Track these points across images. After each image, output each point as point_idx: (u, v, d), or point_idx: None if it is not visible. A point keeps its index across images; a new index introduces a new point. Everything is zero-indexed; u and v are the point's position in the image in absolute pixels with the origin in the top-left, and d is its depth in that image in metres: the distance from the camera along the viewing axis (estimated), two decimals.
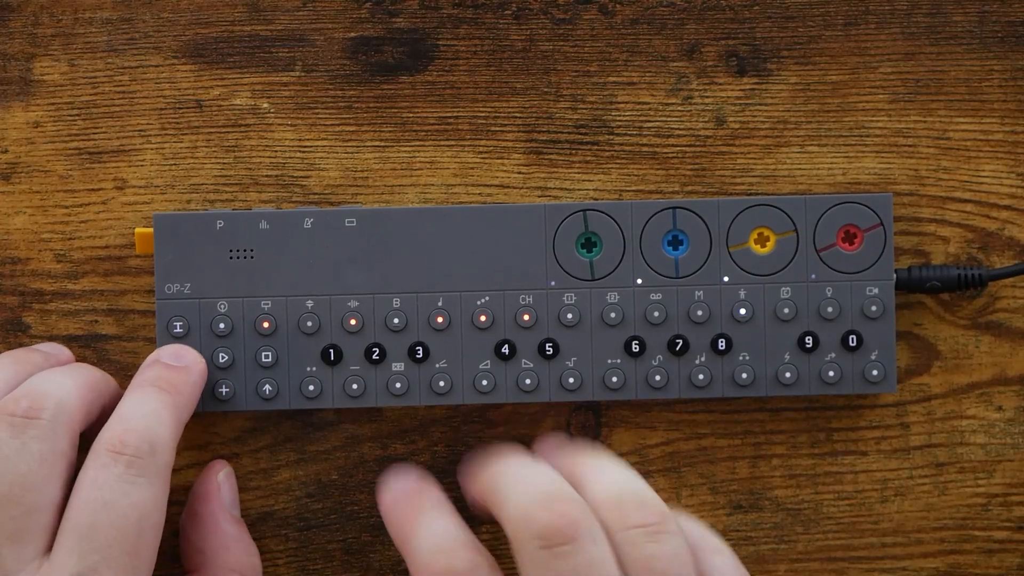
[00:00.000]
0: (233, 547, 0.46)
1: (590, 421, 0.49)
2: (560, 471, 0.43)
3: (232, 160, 0.49)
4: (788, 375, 0.48)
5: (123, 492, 0.41)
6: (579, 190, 0.49)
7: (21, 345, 0.48)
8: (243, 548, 0.47)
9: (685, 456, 0.50)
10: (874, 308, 0.47)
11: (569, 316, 0.47)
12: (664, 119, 0.49)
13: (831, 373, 0.48)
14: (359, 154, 0.49)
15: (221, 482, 0.47)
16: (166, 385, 0.44)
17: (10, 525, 0.41)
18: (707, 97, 0.49)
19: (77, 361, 0.48)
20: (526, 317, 0.47)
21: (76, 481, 0.42)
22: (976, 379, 0.50)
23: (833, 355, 0.48)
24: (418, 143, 0.49)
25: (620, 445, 0.49)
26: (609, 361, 0.47)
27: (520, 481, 0.42)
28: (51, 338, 0.49)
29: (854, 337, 0.47)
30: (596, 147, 0.49)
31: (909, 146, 0.49)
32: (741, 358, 0.48)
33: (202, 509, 0.47)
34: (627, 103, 0.49)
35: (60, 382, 0.44)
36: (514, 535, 0.40)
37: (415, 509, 0.44)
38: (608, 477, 0.42)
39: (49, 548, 0.41)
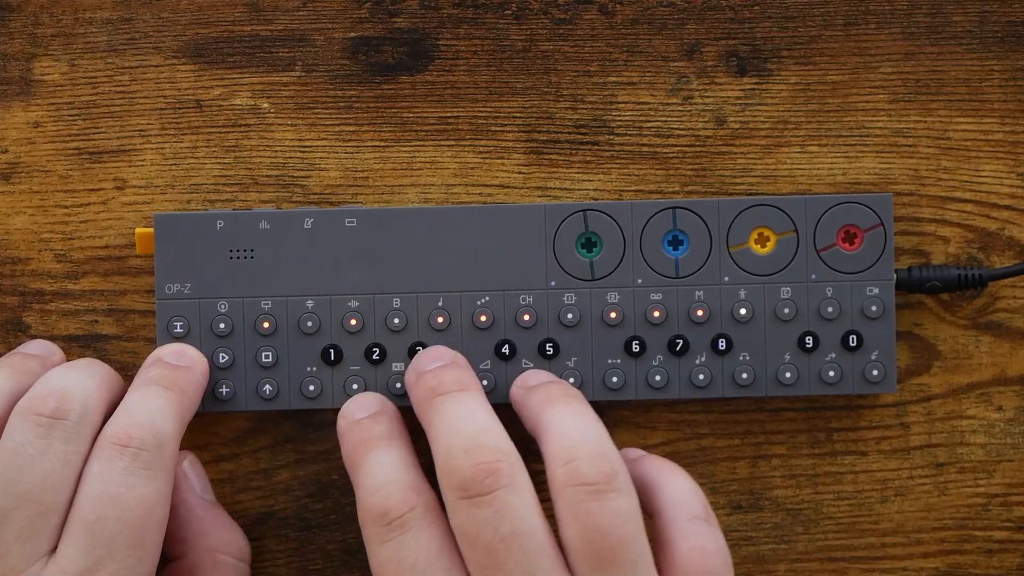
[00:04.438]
0: (212, 530, 0.46)
1: None
2: (526, 415, 0.45)
3: (232, 160, 0.49)
4: (788, 375, 0.48)
5: (128, 485, 0.41)
6: (579, 190, 0.49)
7: (21, 345, 0.48)
8: (223, 528, 0.47)
9: (685, 456, 0.50)
10: (874, 308, 0.47)
11: (569, 316, 0.47)
12: (664, 119, 0.49)
13: (831, 373, 0.48)
14: (359, 154, 0.49)
15: (186, 470, 0.47)
16: (169, 384, 0.44)
17: (25, 523, 0.41)
18: (707, 97, 0.49)
19: (75, 359, 0.48)
20: (526, 317, 0.47)
21: (81, 475, 0.42)
22: (976, 379, 0.50)
23: (833, 355, 0.48)
24: (418, 143, 0.49)
25: (620, 445, 0.49)
26: (609, 361, 0.47)
27: (453, 423, 0.43)
28: (51, 338, 0.49)
29: (854, 337, 0.47)
30: (596, 147, 0.49)
31: (909, 146, 0.49)
32: (741, 358, 0.48)
33: (173, 500, 0.46)
34: (627, 103, 0.49)
35: (83, 382, 0.44)
36: (439, 480, 0.42)
37: (365, 442, 0.45)
38: (566, 428, 0.43)
39: (56, 544, 0.42)
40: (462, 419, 0.43)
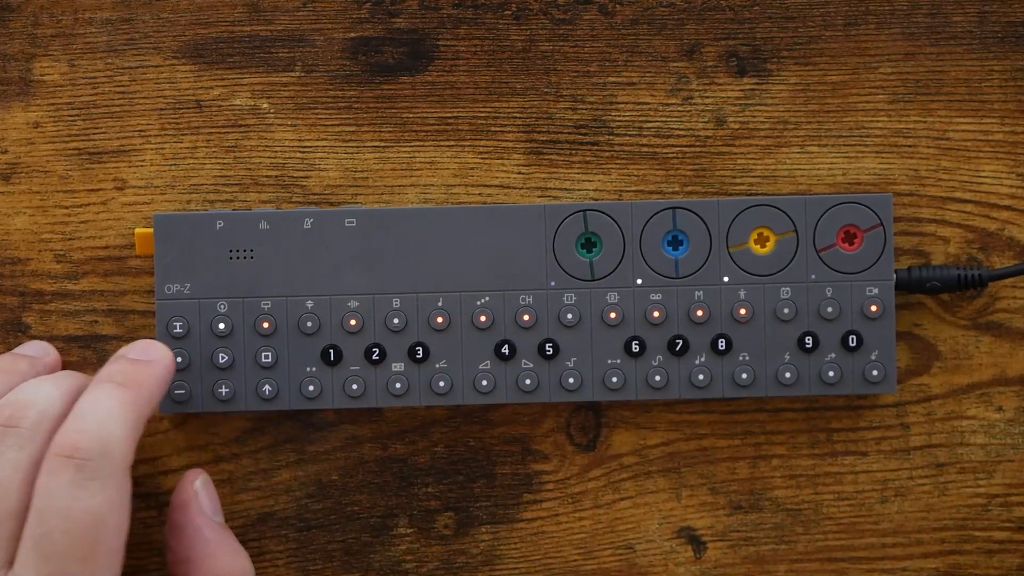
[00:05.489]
0: (218, 553, 0.46)
1: (590, 421, 0.49)
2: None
3: (232, 160, 0.49)
4: (788, 375, 0.47)
5: (74, 497, 0.41)
6: (579, 190, 0.49)
7: (19, 346, 0.48)
8: (229, 553, 0.46)
9: (685, 456, 0.50)
10: (874, 308, 0.47)
11: (569, 316, 0.47)
12: (664, 119, 0.49)
13: (831, 373, 0.47)
14: (359, 154, 0.49)
15: (198, 490, 0.46)
16: (124, 380, 0.43)
17: None
18: (707, 97, 0.49)
19: (74, 360, 0.48)
20: (526, 317, 0.47)
21: (33, 489, 0.41)
22: (976, 379, 0.50)
23: (833, 355, 0.48)
24: (418, 143, 0.49)
25: (620, 445, 0.49)
26: (609, 361, 0.47)
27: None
28: (51, 338, 0.49)
29: (854, 337, 0.47)
30: (596, 147, 0.49)
31: (909, 146, 0.49)
32: (741, 358, 0.48)
33: (181, 519, 0.46)
34: (627, 103, 0.49)
35: (47, 392, 0.43)
36: None
37: None
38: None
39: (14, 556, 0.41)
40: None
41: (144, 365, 0.44)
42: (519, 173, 0.49)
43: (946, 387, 0.50)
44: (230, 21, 0.49)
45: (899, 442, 0.50)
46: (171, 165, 0.49)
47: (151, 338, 0.49)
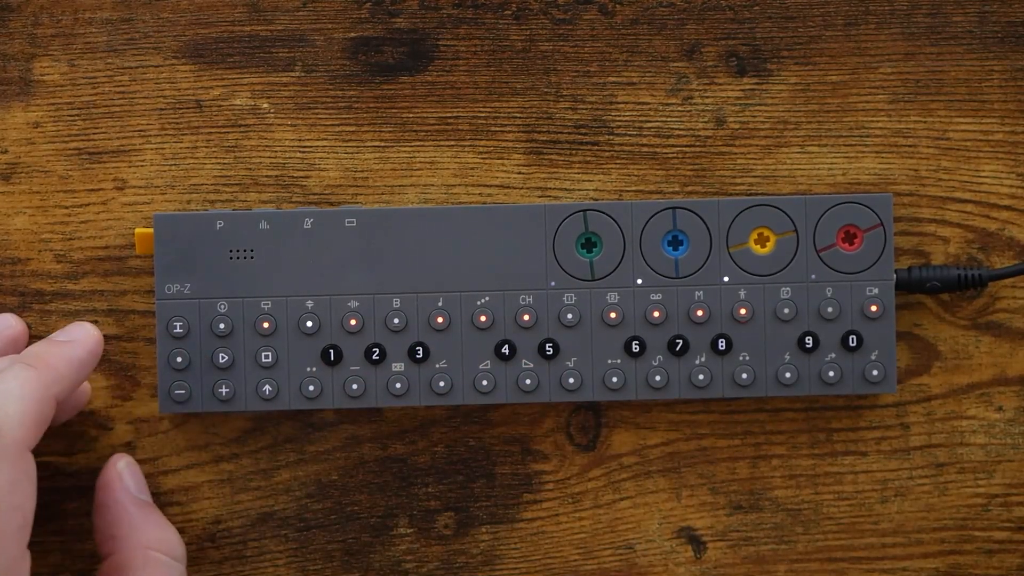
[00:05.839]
0: (142, 527, 0.46)
1: (590, 421, 0.49)
2: None
3: (232, 160, 0.49)
4: (788, 375, 0.47)
5: None
6: (579, 190, 0.49)
7: None
8: (153, 526, 0.46)
9: (685, 456, 0.50)
10: (874, 308, 0.47)
11: (569, 316, 0.47)
12: (664, 119, 0.49)
13: (831, 373, 0.47)
14: (359, 154, 0.49)
15: (122, 470, 0.47)
16: (34, 361, 0.43)
17: None
18: (707, 97, 0.49)
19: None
20: (526, 317, 0.47)
21: None
22: (976, 379, 0.50)
23: (833, 355, 0.48)
24: (418, 143, 0.49)
25: (620, 445, 0.49)
26: (609, 361, 0.47)
27: None
28: None
29: (854, 337, 0.47)
30: (596, 147, 0.49)
31: (909, 146, 0.49)
32: (741, 358, 0.48)
33: (107, 498, 0.46)
34: (627, 103, 0.49)
35: None
36: None
37: None
38: None
39: None
40: None
41: (59, 345, 0.45)
42: (519, 173, 0.49)
43: (946, 387, 0.50)
44: (230, 21, 0.49)
45: (899, 442, 0.50)
46: (171, 165, 0.49)
47: (151, 338, 0.49)
